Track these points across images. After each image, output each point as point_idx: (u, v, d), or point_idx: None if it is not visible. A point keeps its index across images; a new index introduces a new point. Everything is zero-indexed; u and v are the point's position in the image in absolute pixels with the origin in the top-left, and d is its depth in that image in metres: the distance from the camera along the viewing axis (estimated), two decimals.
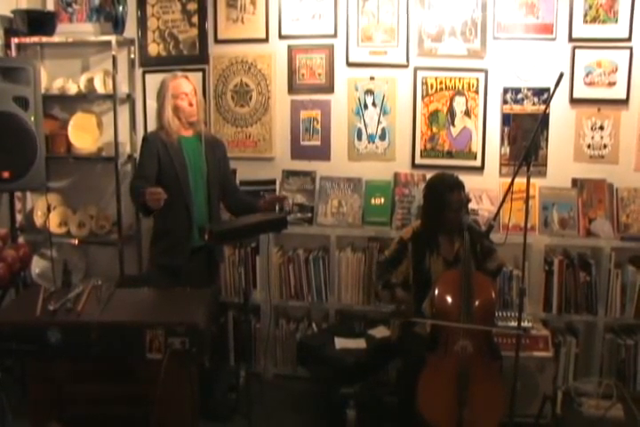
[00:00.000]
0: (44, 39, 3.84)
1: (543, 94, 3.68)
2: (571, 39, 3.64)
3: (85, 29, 3.97)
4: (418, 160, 3.83)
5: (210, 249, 3.24)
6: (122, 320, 2.42)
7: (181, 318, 2.39)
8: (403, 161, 3.86)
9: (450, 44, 3.71)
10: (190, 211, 3.14)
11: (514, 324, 3.05)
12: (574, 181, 3.73)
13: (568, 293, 3.59)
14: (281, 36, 3.84)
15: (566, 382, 3.61)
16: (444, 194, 3.04)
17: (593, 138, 3.71)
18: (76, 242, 3.96)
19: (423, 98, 3.78)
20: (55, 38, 3.86)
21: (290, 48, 3.84)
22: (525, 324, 3.30)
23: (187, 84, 3.21)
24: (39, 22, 3.80)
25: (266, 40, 3.86)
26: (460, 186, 3.08)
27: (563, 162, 3.74)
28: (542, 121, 3.61)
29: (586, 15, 3.61)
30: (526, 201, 2.70)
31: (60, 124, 4.00)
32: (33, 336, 2.34)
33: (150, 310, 2.61)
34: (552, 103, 3.41)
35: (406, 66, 3.77)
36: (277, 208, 3.37)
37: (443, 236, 3.15)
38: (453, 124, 3.78)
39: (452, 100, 3.76)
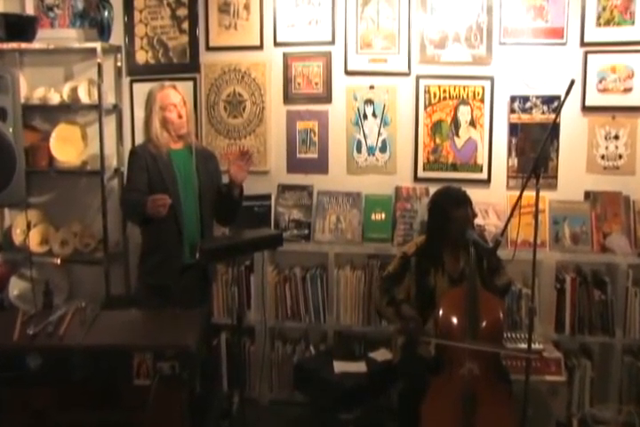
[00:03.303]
0: (24, 45, 3.81)
1: (553, 102, 3.72)
2: (583, 43, 3.68)
3: (68, 35, 3.96)
4: (420, 173, 3.88)
5: (201, 267, 3.27)
6: (107, 344, 2.45)
7: (171, 341, 2.43)
8: (404, 174, 3.91)
9: (454, 51, 3.76)
10: (181, 227, 3.18)
11: (523, 345, 3.08)
12: (587, 194, 3.76)
13: (581, 312, 3.61)
14: (276, 44, 3.90)
15: (582, 408, 3.61)
16: (449, 209, 3.09)
17: (607, 148, 3.74)
18: (59, 261, 3.96)
19: (426, 107, 3.83)
20: (35, 45, 3.84)
21: (285, 56, 3.90)
22: (536, 346, 3.33)
23: (175, 95, 3.25)
24: (18, 27, 3.77)
25: (260, 47, 3.91)
26: (467, 201, 3.13)
27: (574, 174, 3.77)
28: (552, 131, 3.63)
29: (599, 17, 3.64)
30: (535, 215, 2.73)
31: (41, 135, 4.01)
32: (11, 362, 2.35)
33: (138, 333, 2.64)
34: (563, 112, 3.43)
35: (408, 74, 3.82)
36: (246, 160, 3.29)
37: (448, 252, 3.20)
38: (458, 135, 3.83)
39: (456, 109, 3.81)
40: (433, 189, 3.44)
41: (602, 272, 3.74)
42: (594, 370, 3.64)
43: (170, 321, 2.72)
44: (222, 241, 3.13)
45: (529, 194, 2.77)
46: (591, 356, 3.71)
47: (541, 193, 2.73)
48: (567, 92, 2.68)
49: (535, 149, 3.69)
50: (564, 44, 3.69)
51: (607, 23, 3.64)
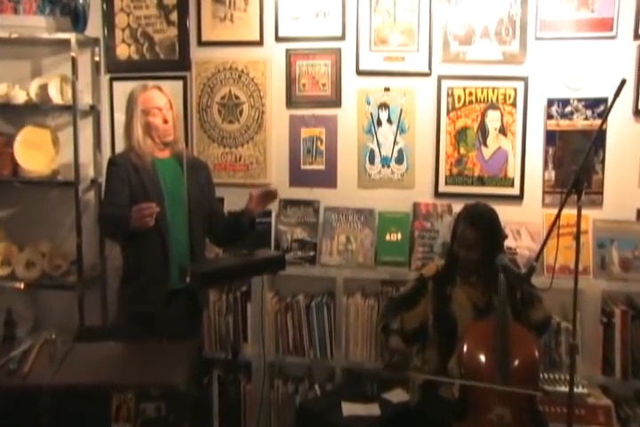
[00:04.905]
0: None
1: (599, 106, 3.73)
2: (637, 36, 3.66)
3: (36, 24, 4.01)
4: (442, 188, 3.91)
5: (191, 293, 3.29)
6: (81, 383, 2.43)
7: (156, 379, 2.43)
8: (423, 189, 3.94)
9: (481, 47, 3.79)
10: (167, 247, 3.20)
11: (564, 388, 3.07)
12: None
13: (635, 352, 3.56)
14: (278, 39, 3.94)
15: None
16: (457, 224, 3.19)
17: None
18: (22, 286, 3.96)
19: (449, 113, 3.86)
20: None
21: (288, 53, 3.95)
22: (579, 389, 3.32)
23: (160, 97, 3.29)
24: None
25: (259, 43, 3.96)
26: (482, 224, 3.13)
27: (624, 189, 3.77)
28: (597, 139, 3.63)
29: None
30: (577, 237, 2.71)
31: (3, 140, 4.01)
32: None
33: (117, 370, 2.63)
34: (610, 117, 3.34)
35: (428, 74, 3.86)
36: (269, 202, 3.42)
37: (473, 278, 3.22)
38: (485, 145, 3.85)
39: (483, 114, 3.84)
40: (456, 205, 3.45)
41: None
42: None
43: (154, 356, 2.72)
44: (216, 263, 3.13)
45: (569, 212, 2.77)
46: None
47: (584, 211, 2.72)
48: (616, 94, 2.65)
49: (576, 160, 3.69)
50: (613, 37, 3.69)
51: None
